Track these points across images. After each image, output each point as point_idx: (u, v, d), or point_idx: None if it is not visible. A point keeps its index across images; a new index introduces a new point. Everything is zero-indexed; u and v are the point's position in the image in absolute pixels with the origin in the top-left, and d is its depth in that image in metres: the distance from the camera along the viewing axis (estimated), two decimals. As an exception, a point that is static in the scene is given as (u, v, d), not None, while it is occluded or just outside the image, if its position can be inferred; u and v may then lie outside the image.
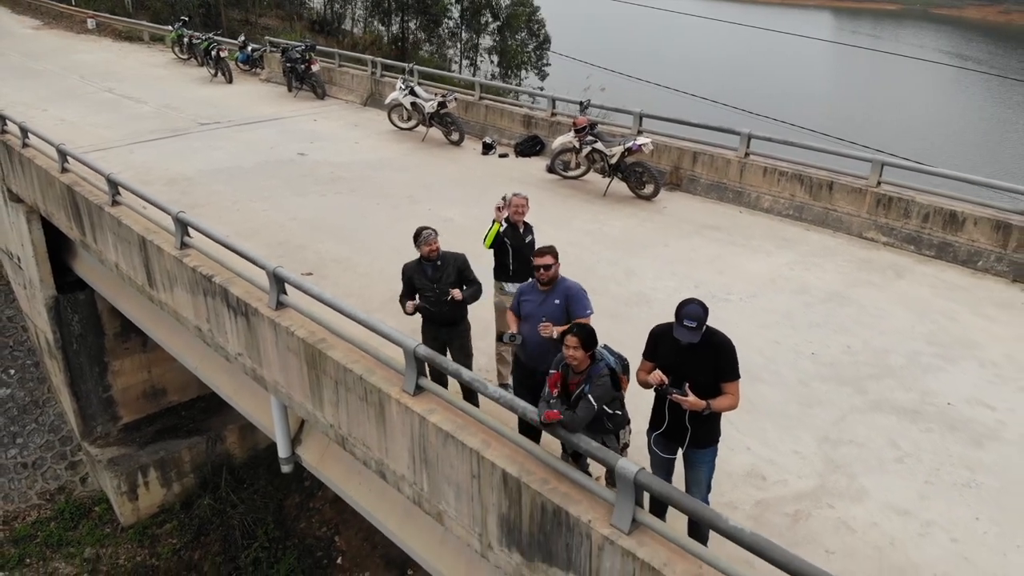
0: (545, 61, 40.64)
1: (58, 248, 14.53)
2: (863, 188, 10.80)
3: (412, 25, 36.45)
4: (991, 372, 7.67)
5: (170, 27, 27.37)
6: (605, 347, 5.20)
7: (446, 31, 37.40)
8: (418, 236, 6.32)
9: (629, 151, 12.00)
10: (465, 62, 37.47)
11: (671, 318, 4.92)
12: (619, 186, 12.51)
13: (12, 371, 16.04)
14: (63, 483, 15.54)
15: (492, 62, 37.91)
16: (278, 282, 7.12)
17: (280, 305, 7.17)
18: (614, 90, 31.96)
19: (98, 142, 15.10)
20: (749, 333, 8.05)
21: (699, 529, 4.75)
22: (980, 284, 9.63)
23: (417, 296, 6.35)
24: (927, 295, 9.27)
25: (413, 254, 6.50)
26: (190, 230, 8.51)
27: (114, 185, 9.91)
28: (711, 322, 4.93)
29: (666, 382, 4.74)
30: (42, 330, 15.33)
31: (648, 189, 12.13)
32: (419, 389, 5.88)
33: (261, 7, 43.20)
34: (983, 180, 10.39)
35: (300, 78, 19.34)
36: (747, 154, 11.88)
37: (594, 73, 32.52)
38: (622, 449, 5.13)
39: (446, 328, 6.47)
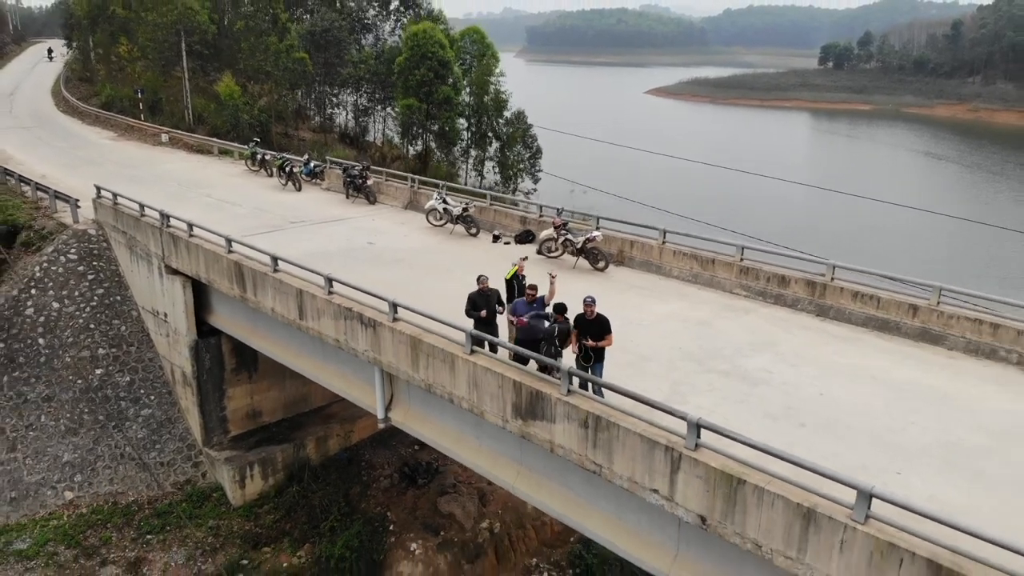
0: (537, 168, 48.25)
1: (197, 307, 20.98)
2: (732, 262, 17.41)
3: (432, 143, 44.02)
4: (778, 358, 14.03)
5: (231, 142, 34.60)
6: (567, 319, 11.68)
7: (459, 150, 45.03)
8: (478, 279, 12.86)
9: (589, 240, 18.68)
10: (473, 172, 44.92)
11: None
12: (583, 263, 19.12)
13: (152, 397, 22.17)
14: (189, 477, 21.48)
15: (495, 172, 45.35)
16: (393, 307, 13.57)
17: (395, 319, 13.60)
18: (592, 196, 39.35)
19: (235, 228, 21.66)
20: (649, 339, 14.46)
21: (599, 392, 11.09)
22: (796, 318, 16.11)
23: (483, 312, 12.75)
24: (760, 322, 15.73)
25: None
26: (333, 283, 15.01)
27: (275, 260, 16.47)
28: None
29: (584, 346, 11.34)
30: (179, 366, 21.60)
31: (601, 264, 18.73)
32: (473, 351, 12.26)
33: (299, 123, 51.03)
34: (801, 255, 17.01)
35: (357, 188, 26.28)
36: (664, 242, 18.56)
37: (576, 187, 40.03)
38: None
39: (490, 325, 12.84)
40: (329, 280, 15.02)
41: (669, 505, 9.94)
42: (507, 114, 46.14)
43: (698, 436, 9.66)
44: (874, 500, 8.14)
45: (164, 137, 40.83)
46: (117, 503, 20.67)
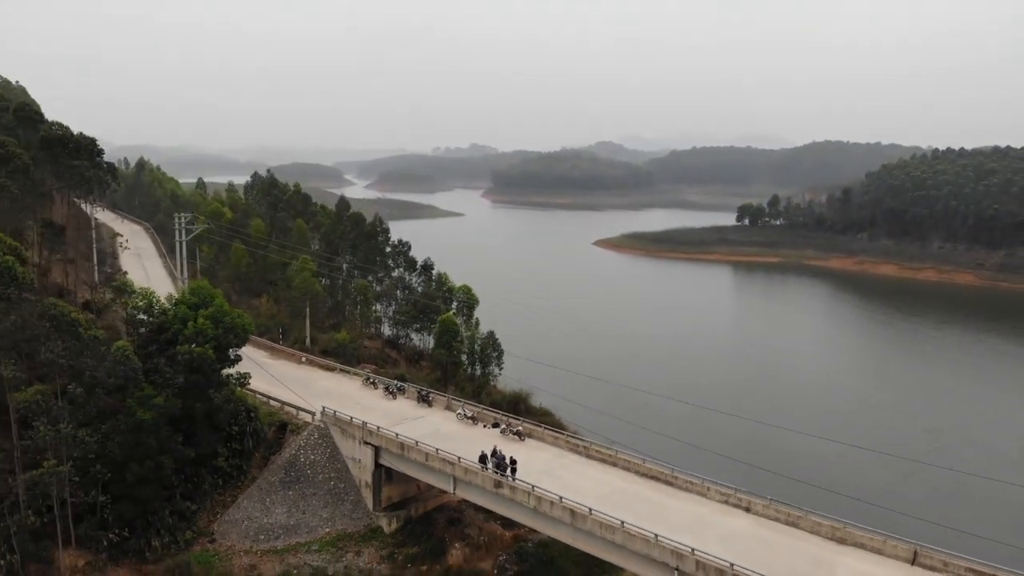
0: (502, 361, 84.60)
1: (375, 456, 56.08)
2: (565, 437, 53.26)
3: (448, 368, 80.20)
4: (568, 472, 49.61)
5: (343, 363, 70.11)
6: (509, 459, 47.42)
7: (463, 371, 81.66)
8: (483, 451, 48.75)
9: (519, 428, 54.66)
10: (468, 370, 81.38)
11: (520, 466, 47.65)
12: (515, 437, 54.81)
13: (351, 493, 56.76)
14: (369, 522, 55.90)
15: (479, 370, 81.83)
16: (459, 458, 49.17)
17: (461, 461, 49.15)
18: (539, 375, 76.06)
19: (380, 424, 56.90)
20: (530, 465, 50.08)
21: (515, 480, 46.78)
22: (581, 459, 51.83)
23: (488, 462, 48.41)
24: (566, 460, 51.55)
25: (473, 453, 48.68)
26: (439, 450, 50.56)
27: (416, 442, 52.02)
28: (526, 464, 47.44)
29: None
30: (364, 480, 56.46)
31: (524, 438, 54.55)
32: (484, 470, 47.95)
33: (365, 337, 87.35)
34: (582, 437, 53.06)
35: (423, 399, 62.00)
36: (544, 428, 54.45)
37: (527, 376, 76.63)
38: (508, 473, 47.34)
39: (486, 464, 48.43)
40: (437, 449, 50.51)
41: (529, 503, 45.23)
42: (483, 332, 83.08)
43: (532, 489, 45.14)
44: (564, 499, 43.65)
45: (303, 359, 76.12)
46: (345, 532, 54.96)
